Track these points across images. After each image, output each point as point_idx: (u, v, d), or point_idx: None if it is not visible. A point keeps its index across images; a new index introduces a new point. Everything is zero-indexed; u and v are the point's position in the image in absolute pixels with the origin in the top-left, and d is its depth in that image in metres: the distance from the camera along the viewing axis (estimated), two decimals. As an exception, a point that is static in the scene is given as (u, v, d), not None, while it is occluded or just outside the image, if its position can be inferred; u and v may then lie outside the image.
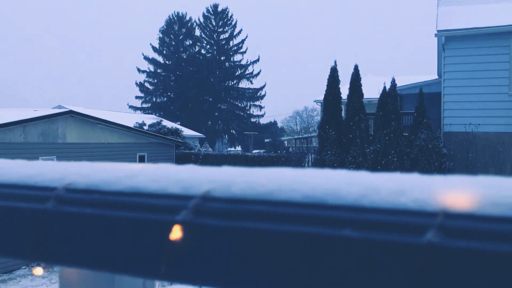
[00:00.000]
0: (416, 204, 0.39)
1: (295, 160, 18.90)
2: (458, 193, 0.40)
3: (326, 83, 16.91)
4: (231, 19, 51.42)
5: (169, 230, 0.46)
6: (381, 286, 0.37)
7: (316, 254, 0.40)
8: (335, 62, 16.99)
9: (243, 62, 50.79)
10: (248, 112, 51.09)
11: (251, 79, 50.64)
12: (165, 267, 0.45)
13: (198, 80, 47.27)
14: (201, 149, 24.78)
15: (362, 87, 16.70)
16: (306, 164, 20.14)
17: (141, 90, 49.84)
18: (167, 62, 49.55)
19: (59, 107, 28.76)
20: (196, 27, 50.97)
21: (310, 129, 51.43)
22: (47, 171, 0.63)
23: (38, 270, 0.63)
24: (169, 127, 24.48)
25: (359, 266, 0.39)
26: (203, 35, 51.16)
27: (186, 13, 50.64)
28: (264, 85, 51.12)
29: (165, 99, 49.73)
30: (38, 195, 0.58)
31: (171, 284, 7.52)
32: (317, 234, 0.41)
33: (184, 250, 0.45)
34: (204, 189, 0.48)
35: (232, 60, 50.91)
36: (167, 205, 0.47)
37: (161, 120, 27.04)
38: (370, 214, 0.40)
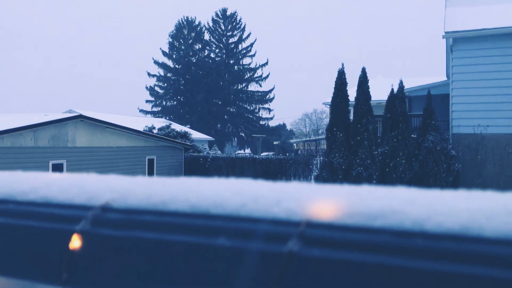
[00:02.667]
0: (286, 214, 0.41)
1: (303, 162, 18.86)
2: (325, 202, 0.42)
3: (334, 86, 16.85)
4: (240, 23, 51.58)
5: (69, 239, 0.48)
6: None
7: (196, 262, 0.42)
8: (342, 64, 16.95)
9: (252, 65, 50.89)
10: (257, 114, 51.14)
11: (260, 82, 50.70)
12: (66, 274, 0.48)
13: (207, 84, 47.46)
14: (209, 152, 24.85)
15: (370, 89, 16.61)
16: (314, 167, 20.08)
17: (151, 94, 50.19)
18: (177, 66, 49.84)
19: (70, 111, 29.09)
20: (205, 31, 51.22)
21: (320, 131, 51.32)
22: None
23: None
24: (178, 130, 24.61)
25: (229, 274, 0.40)
26: (212, 39, 51.39)
27: (195, 18, 50.91)
28: (273, 88, 51.14)
29: (175, 102, 50.01)
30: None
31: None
32: (198, 243, 0.43)
33: (82, 258, 0.48)
34: (104, 199, 0.50)
35: (241, 63, 51.04)
36: (70, 215, 0.50)
37: (170, 124, 27.20)
38: (245, 223, 0.42)
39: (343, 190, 0.46)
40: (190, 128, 38.79)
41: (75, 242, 0.48)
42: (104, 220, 0.48)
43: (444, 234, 0.35)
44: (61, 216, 0.51)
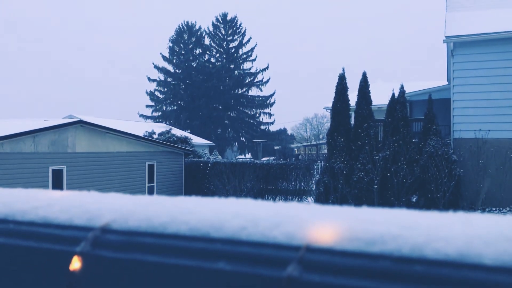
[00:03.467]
0: (286, 238, 0.41)
1: (304, 167, 18.85)
2: (324, 226, 0.42)
3: (334, 91, 16.87)
4: (240, 27, 51.77)
5: (69, 260, 0.49)
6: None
7: (196, 286, 0.42)
8: (343, 69, 16.98)
9: (253, 70, 51.04)
10: (258, 119, 51.22)
11: (260, 86, 50.82)
12: (66, 295, 0.48)
13: (207, 89, 47.55)
14: (210, 157, 24.87)
15: (371, 94, 16.63)
16: (315, 172, 20.06)
17: (151, 99, 50.31)
18: (177, 71, 49.98)
19: (70, 116, 29.15)
20: (206, 36, 51.41)
21: (320, 136, 51.35)
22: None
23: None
24: (178, 135, 24.63)
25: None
26: (212, 44, 51.56)
27: (195, 22, 51.10)
28: (274, 93, 51.26)
29: (175, 107, 50.11)
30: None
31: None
32: (197, 267, 0.43)
33: (82, 279, 0.48)
34: (104, 221, 0.50)
35: (241, 68, 51.17)
36: (71, 236, 0.50)
37: (171, 129, 27.24)
38: (245, 247, 0.42)
39: (342, 212, 0.46)
40: (191, 133, 38.84)
41: (75, 264, 0.49)
42: (104, 242, 0.48)
43: (442, 260, 0.35)
44: (61, 237, 0.52)
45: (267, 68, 50.95)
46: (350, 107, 16.94)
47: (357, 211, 0.46)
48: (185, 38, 50.40)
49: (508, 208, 14.34)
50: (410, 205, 15.33)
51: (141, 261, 0.45)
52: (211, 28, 51.80)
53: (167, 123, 45.93)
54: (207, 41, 51.51)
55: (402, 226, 0.40)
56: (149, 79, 50.26)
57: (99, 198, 0.61)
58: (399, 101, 15.93)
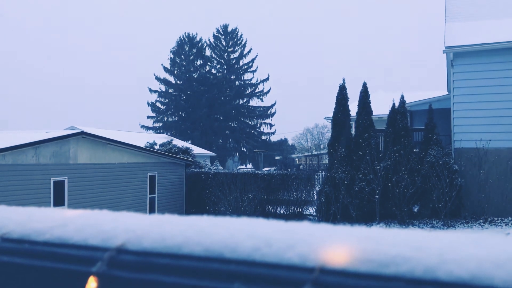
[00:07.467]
0: (300, 259, 0.42)
1: (305, 178, 18.82)
2: (338, 248, 0.43)
3: (335, 101, 16.92)
4: (241, 38, 52.08)
5: (85, 281, 0.49)
6: None
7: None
8: (343, 80, 17.03)
9: (253, 81, 51.24)
10: (259, 130, 51.30)
11: (261, 97, 50.98)
12: (82, 316, 0.49)
13: (209, 99, 47.69)
14: (211, 167, 24.86)
15: (372, 104, 16.67)
16: (316, 182, 20.03)
17: (152, 110, 50.42)
18: (178, 82, 50.18)
19: (72, 128, 29.21)
20: (207, 47, 51.70)
21: (321, 146, 51.33)
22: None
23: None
24: (180, 146, 24.65)
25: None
26: (213, 55, 51.84)
27: (196, 34, 51.42)
28: (275, 103, 51.40)
29: (176, 118, 50.22)
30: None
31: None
32: (211, 287, 0.44)
33: (98, 299, 0.49)
34: (119, 241, 0.51)
35: (242, 78, 51.39)
36: (86, 257, 0.51)
37: (172, 140, 27.27)
38: (260, 268, 0.43)
39: (354, 233, 0.47)
40: (192, 143, 38.88)
41: (91, 284, 0.49)
42: (120, 262, 0.49)
43: (454, 282, 0.36)
44: (77, 257, 0.52)
45: (267, 78, 51.17)
46: (351, 117, 16.98)
47: (369, 231, 0.47)
48: (186, 50, 50.69)
49: (510, 218, 14.29)
50: (411, 215, 15.29)
51: (156, 281, 0.46)
52: (212, 40, 52.14)
53: (168, 133, 45.98)
54: (208, 52, 51.82)
55: (414, 247, 0.41)
56: (150, 90, 50.43)
57: (113, 218, 0.61)
58: (400, 111, 15.97)
